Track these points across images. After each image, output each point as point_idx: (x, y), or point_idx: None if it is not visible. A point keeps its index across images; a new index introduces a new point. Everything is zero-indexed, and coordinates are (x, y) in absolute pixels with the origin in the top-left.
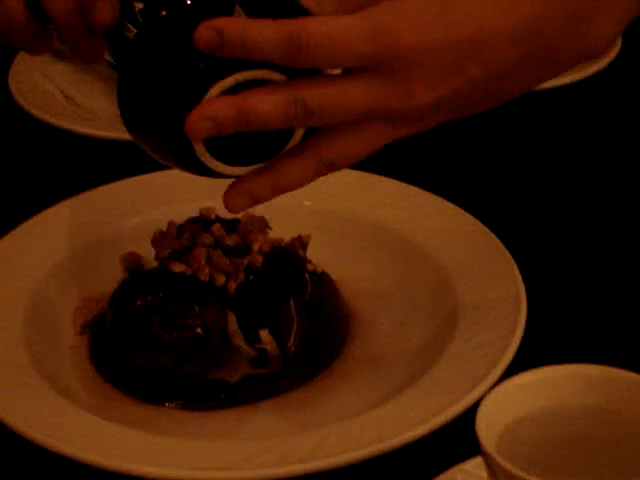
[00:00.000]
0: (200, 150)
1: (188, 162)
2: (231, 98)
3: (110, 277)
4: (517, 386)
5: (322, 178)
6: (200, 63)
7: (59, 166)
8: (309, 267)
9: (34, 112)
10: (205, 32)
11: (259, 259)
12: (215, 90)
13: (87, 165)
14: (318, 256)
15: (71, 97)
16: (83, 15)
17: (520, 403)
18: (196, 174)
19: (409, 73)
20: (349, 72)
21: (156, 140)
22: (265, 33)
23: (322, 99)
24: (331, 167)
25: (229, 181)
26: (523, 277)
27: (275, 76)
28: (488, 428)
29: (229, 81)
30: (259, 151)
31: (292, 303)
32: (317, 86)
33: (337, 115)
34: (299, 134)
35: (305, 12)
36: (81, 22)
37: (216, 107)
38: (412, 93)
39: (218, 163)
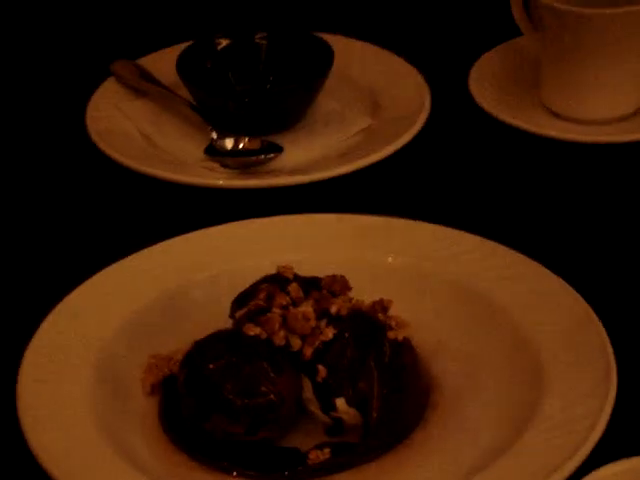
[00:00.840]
0: None
1: None
2: None
3: (183, 332)
4: (607, 476)
5: (405, 234)
6: None
7: (135, 212)
8: (390, 335)
9: (111, 154)
10: None
11: (329, 334)
12: None
13: (165, 212)
14: (398, 314)
15: (150, 137)
16: None
17: None
18: None
19: None
20: None
21: None
22: None
23: None
24: None
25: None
26: (613, 343)
27: None
28: None
29: None
30: None
31: (373, 371)
32: None
33: None
34: None
35: None
36: None
37: None
38: None
39: None
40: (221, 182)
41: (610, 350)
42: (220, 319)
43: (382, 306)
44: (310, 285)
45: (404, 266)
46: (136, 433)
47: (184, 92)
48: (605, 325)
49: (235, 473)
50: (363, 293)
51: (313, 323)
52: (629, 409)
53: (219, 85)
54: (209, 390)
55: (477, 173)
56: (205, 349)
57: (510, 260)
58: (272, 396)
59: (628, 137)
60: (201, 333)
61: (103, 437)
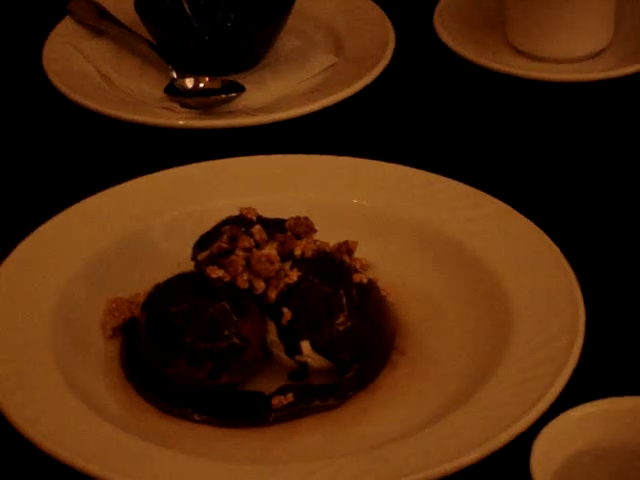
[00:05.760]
0: None
1: None
2: None
3: (144, 275)
4: (576, 418)
5: (370, 175)
6: None
7: (94, 153)
8: (355, 277)
9: (69, 94)
10: None
11: (294, 276)
12: None
13: (124, 153)
14: (364, 257)
15: (109, 77)
16: None
17: (580, 436)
18: None
19: None
20: None
21: None
22: None
23: None
24: None
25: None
26: (581, 285)
27: None
28: (543, 463)
29: None
30: None
31: (340, 313)
32: None
33: None
34: None
35: None
36: None
37: None
38: None
39: None
40: (181, 122)
41: (578, 292)
42: (182, 262)
43: (347, 248)
44: (274, 227)
45: (369, 208)
46: (97, 377)
47: (143, 31)
48: (574, 267)
49: (197, 418)
50: (328, 235)
51: (277, 266)
52: (598, 352)
53: (179, 23)
54: (171, 334)
55: (442, 112)
56: (167, 292)
57: (477, 201)
58: (235, 340)
59: (594, 76)
60: (163, 276)
61: (63, 381)
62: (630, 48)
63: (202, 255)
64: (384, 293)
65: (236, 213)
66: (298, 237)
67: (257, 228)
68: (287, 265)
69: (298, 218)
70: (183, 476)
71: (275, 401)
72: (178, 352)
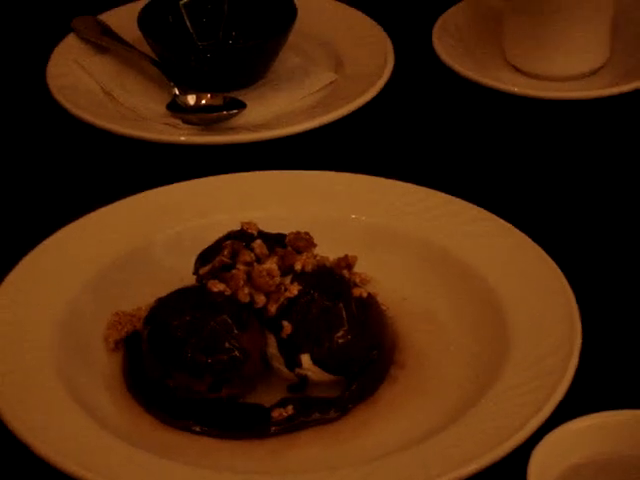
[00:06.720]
0: None
1: None
2: None
3: (146, 289)
4: (573, 431)
5: (369, 190)
6: None
7: (96, 169)
8: (355, 292)
9: (73, 110)
10: None
11: (294, 290)
12: None
13: (126, 168)
14: (363, 271)
15: (111, 93)
16: None
17: (577, 449)
18: None
19: None
20: None
21: None
22: None
23: None
24: None
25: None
26: (578, 300)
27: None
28: (540, 476)
29: None
30: None
31: (340, 327)
32: None
33: None
34: None
35: None
36: None
37: None
38: None
39: None
40: (183, 138)
41: (575, 306)
42: (184, 276)
43: (347, 263)
44: (274, 242)
45: (368, 223)
46: (99, 389)
47: (146, 48)
48: (570, 281)
49: (197, 430)
50: (328, 250)
51: (278, 280)
52: (595, 365)
53: (181, 41)
54: (172, 346)
55: (441, 129)
56: (169, 306)
57: (475, 217)
58: (236, 352)
59: (591, 93)
60: (165, 290)
61: (66, 393)
62: (627, 66)
63: (204, 269)
64: (383, 307)
65: (237, 228)
66: (298, 252)
67: (258, 243)
68: (287, 279)
69: (298, 233)
70: None
71: (275, 413)
72: (179, 364)
